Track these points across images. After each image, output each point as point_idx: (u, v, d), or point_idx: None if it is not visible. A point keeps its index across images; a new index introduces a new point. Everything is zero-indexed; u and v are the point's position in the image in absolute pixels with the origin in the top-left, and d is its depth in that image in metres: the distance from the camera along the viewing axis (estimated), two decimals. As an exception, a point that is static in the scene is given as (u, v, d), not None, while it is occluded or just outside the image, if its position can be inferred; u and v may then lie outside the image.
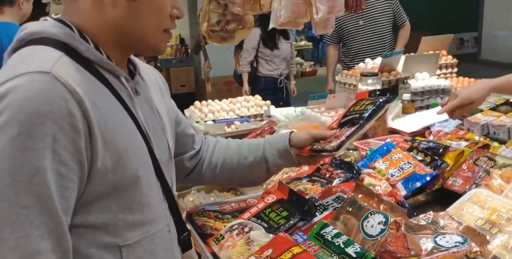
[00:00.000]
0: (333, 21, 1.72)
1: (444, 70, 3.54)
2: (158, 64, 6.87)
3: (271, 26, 1.76)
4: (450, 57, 3.58)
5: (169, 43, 7.60)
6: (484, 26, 10.83)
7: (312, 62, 10.78)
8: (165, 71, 6.99)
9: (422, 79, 3.18)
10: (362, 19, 4.05)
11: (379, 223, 1.08)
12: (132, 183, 0.93)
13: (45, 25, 0.91)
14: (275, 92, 4.53)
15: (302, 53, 11.15)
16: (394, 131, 2.18)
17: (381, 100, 1.31)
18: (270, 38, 4.45)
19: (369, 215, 1.11)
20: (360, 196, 1.20)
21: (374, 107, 1.28)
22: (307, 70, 10.22)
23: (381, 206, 1.14)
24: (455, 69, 3.59)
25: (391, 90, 1.38)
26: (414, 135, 2.10)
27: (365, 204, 1.15)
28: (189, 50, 7.21)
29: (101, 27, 0.93)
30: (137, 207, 0.94)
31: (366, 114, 1.27)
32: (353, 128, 1.26)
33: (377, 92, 1.40)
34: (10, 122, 0.77)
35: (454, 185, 1.46)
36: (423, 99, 3.09)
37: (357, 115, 1.30)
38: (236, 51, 2.75)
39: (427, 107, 2.96)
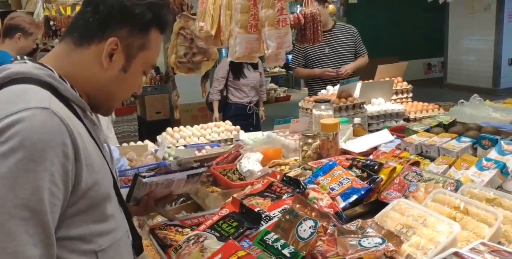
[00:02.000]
0: (283, 55, 1.94)
1: (400, 96, 3.80)
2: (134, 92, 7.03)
3: (228, 59, 1.98)
4: (405, 83, 3.85)
5: (144, 71, 7.78)
6: (450, 52, 11.31)
7: (286, 88, 11.10)
8: (140, 98, 7.15)
9: (378, 104, 3.44)
10: (328, 47, 4.31)
11: (309, 227, 1.27)
12: (105, 199, 1.12)
13: (27, 66, 1.09)
14: (245, 118, 4.73)
15: (276, 79, 11.48)
16: (345, 152, 2.38)
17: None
18: (237, 69, 4.66)
19: (302, 221, 1.30)
20: (298, 206, 1.40)
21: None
22: (280, 95, 10.54)
23: (313, 214, 1.34)
24: (410, 94, 3.86)
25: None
26: (363, 154, 2.31)
27: (301, 212, 1.35)
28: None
29: (85, 80, 1.14)
30: (105, 218, 1.13)
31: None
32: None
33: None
34: (16, 148, 0.94)
35: (387, 197, 1.67)
36: (379, 122, 3.34)
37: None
38: (202, 80, 2.97)
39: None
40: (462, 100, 3.43)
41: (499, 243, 1.33)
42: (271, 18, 1.80)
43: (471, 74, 10.56)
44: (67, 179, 1.00)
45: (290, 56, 4.87)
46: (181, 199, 2.53)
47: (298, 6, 3.35)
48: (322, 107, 2.53)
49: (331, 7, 8.75)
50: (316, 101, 2.61)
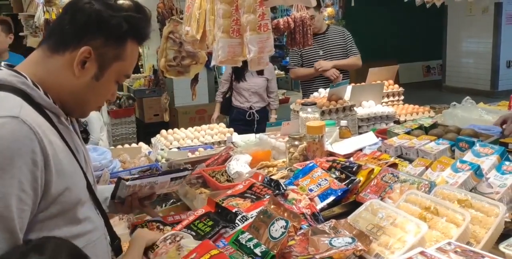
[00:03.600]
0: (266, 59, 1.98)
1: (391, 98, 3.84)
2: (132, 95, 7.09)
3: (212, 63, 2.03)
4: (396, 86, 3.88)
5: (142, 74, 7.86)
6: (448, 54, 11.33)
7: (285, 91, 11.11)
8: (139, 101, 7.20)
9: (368, 107, 3.47)
10: (322, 49, 4.35)
11: (281, 227, 1.31)
12: (76, 203, 1.15)
13: (2, 73, 1.12)
14: (245, 123, 4.67)
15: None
16: (331, 154, 2.42)
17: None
18: (238, 71, 4.64)
19: (275, 221, 1.34)
20: (272, 206, 1.44)
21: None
22: (280, 98, 10.56)
23: (285, 214, 1.38)
24: (402, 97, 3.89)
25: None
26: (348, 156, 2.34)
27: (274, 213, 1.39)
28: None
29: (59, 86, 1.17)
30: (78, 221, 1.17)
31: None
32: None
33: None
34: None
35: (365, 198, 1.70)
36: (369, 125, 3.38)
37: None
38: (192, 83, 3.02)
39: (372, 132, 3.24)
40: (454, 103, 3.46)
41: (468, 243, 1.37)
42: (253, 23, 1.84)
43: (469, 77, 10.59)
44: (36, 185, 1.03)
45: (288, 58, 4.90)
46: (171, 201, 2.57)
47: (294, 10, 3.39)
48: (309, 110, 2.57)
49: (329, 10, 8.80)
50: (303, 104, 2.65)
